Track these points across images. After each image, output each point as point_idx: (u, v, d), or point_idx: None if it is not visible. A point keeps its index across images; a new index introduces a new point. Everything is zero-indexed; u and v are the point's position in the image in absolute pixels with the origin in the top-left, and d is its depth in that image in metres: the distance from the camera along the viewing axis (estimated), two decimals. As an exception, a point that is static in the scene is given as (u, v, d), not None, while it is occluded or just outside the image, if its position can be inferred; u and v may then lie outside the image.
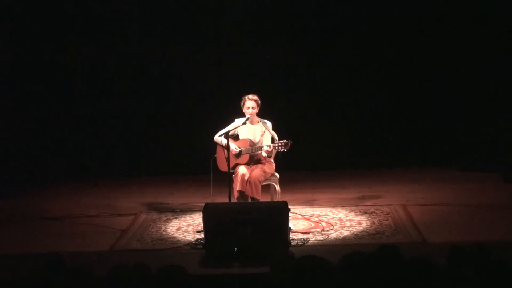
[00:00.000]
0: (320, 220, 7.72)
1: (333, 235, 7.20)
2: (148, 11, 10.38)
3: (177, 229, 7.59)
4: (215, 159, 7.73)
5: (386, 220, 7.68)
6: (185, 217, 8.06)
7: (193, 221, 7.87)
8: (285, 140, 7.35)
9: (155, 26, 10.39)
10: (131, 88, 10.59)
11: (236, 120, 7.72)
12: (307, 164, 10.31)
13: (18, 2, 10.21)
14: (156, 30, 10.41)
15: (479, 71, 10.10)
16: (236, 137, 7.72)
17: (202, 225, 6.81)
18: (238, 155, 7.59)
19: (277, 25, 10.31)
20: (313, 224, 7.58)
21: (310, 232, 7.28)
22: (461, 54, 10.15)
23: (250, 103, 7.57)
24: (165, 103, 10.61)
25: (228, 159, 7.43)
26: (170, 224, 7.80)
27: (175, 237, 7.30)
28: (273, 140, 7.62)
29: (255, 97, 7.60)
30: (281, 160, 7.83)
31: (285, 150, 7.34)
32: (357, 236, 7.14)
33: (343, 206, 8.36)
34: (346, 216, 7.89)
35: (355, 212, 8.04)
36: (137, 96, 10.62)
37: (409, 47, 10.32)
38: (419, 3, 10.14)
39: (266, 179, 7.64)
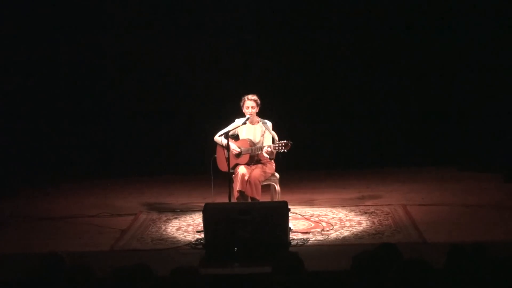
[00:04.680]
0: (320, 220, 7.72)
1: (333, 235, 7.19)
2: (149, 10, 10.38)
3: (177, 229, 7.59)
4: (215, 159, 7.73)
5: (386, 220, 7.68)
6: (185, 217, 8.06)
7: (193, 221, 7.87)
8: (285, 141, 7.34)
9: (155, 25, 10.39)
10: (131, 88, 10.59)
11: (236, 120, 7.72)
12: (307, 164, 10.30)
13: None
14: (156, 30, 10.41)
15: (479, 71, 10.10)
16: (236, 137, 7.72)
17: (202, 225, 6.81)
18: (238, 155, 7.59)
19: (277, 24, 10.30)
20: (313, 224, 7.58)
21: (310, 232, 7.28)
22: (461, 54, 10.15)
23: (249, 103, 7.57)
24: (165, 103, 10.60)
25: (228, 159, 7.42)
26: (170, 224, 7.80)
27: (175, 237, 7.30)
28: (273, 140, 7.62)
29: (255, 97, 7.59)
30: (281, 160, 7.83)
31: (285, 150, 7.34)
32: (357, 236, 7.14)
33: (343, 206, 8.36)
34: (346, 216, 7.89)
35: (355, 212, 8.04)
36: (137, 96, 10.62)
37: (410, 48, 10.32)
38: (423, 7, 10.16)
39: (266, 179, 7.64)
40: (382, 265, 4.12)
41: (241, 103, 7.63)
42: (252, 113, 7.57)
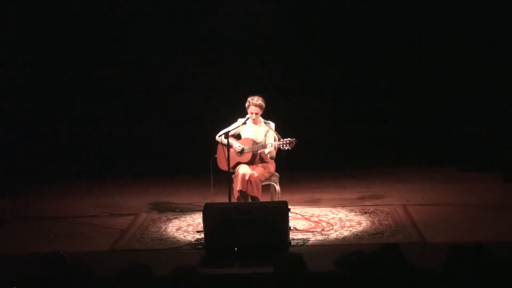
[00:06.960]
0: (320, 220, 7.72)
1: (333, 235, 7.19)
2: (150, 12, 10.38)
3: (177, 229, 7.59)
4: (215, 159, 7.73)
5: (386, 220, 7.68)
6: (185, 217, 8.06)
7: (193, 221, 7.87)
8: (289, 138, 7.34)
9: (156, 26, 10.39)
10: (131, 88, 10.59)
11: (239, 120, 7.72)
12: (307, 164, 10.30)
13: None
14: (157, 31, 10.41)
15: (479, 72, 10.10)
16: (238, 137, 7.72)
17: (202, 225, 6.81)
18: (241, 153, 7.59)
19: (278, 25, 10.31)
20: (313, 224, 7.59)
21: (310, 232, 7.28)
22: (461, 54, 10.15)
23: (253, 109, 7.55)
24: (165, 103, 10.60)
25: (228, 159, 7.42)
26: (170, 224, 7.80)
27: (175, 237, 7.30)
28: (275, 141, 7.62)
29: (260, 102, 7.56)
30: (283, 160, 7.81)
31: (289, 148, 7.33)
32: (357, 236, 7.14)
33: (343, 206, 8.36)
34: (346, 216, 7.89)
35: (355, 212, 8.04)
36: (138, 96, 10.62)
37: (410, 48, 10.32)
38: (421, 8, 10.16)
39: (266, 179, 7.65)
40: (384, 266, 4.13)
41: (246, 104, 7.62)
42: (255, 117, 7.58)
